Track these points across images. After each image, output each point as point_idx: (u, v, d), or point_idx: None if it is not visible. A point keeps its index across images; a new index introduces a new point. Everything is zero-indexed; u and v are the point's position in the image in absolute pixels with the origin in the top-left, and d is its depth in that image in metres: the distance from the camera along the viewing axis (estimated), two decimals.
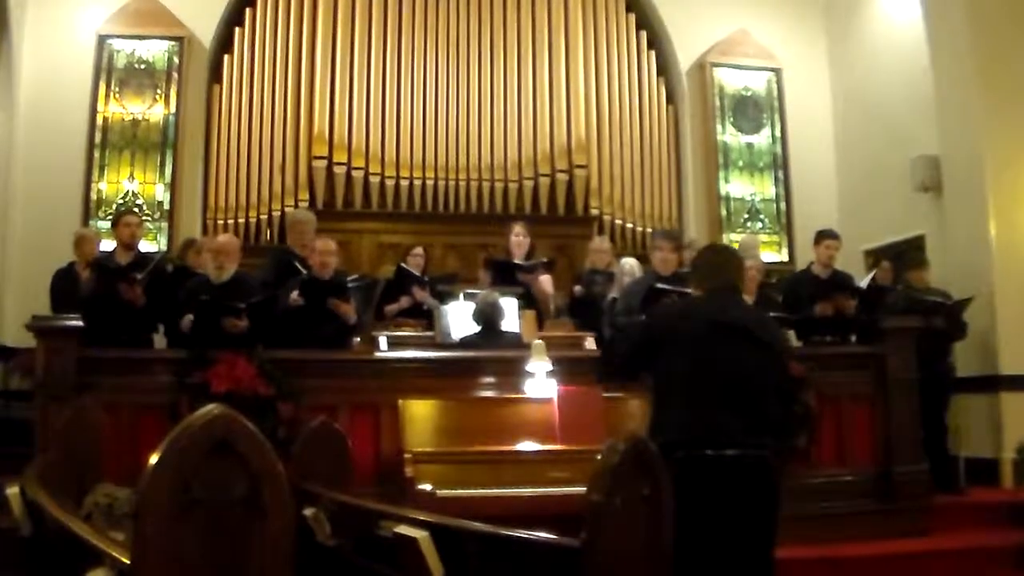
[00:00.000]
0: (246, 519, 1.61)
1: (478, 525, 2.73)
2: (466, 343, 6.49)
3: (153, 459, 1.60)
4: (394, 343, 6.76)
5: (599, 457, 2.41)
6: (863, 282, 7.63)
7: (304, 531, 3.48)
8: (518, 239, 7.90)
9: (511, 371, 5.84)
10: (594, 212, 10.57)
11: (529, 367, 5.54)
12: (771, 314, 6.93)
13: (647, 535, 2.37)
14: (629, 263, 7.57)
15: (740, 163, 10.94)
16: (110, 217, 8.82)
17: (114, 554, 1.90)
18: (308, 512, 3.54)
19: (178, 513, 1.57)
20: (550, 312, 8.05)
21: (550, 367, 5.49)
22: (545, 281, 7.83)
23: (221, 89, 10.28)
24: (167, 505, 1.56)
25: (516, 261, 7.79)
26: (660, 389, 3.64)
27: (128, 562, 1.72)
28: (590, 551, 2.31)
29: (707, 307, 3.72)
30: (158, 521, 1.56)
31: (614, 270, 7.78)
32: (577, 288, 7.76)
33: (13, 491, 3.43)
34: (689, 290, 4.38)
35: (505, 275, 7.66)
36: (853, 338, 7.41)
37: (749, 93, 11.07)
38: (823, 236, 7.72)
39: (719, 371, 3.51)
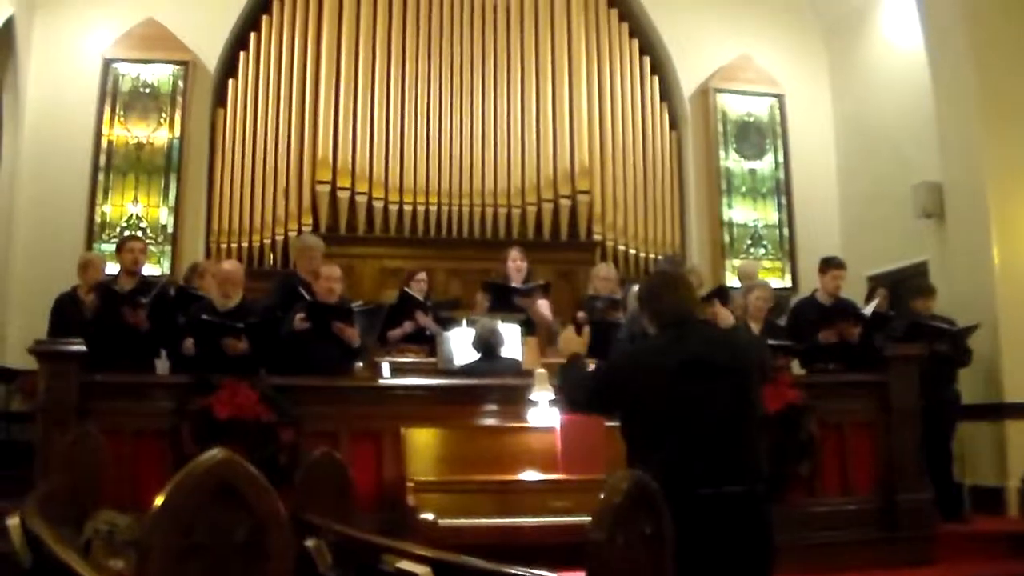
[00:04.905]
0: (248, 563, 1.61)
1: (480, 562, 2.71)
2: (466, 370, 6.49)
3: (157, 502, 1.60)
4: (397, 369, 6.76)
5: (601, 495, 2.39)
6: (867, 309, 7.61)
7: (305, 561, 3.47)
8: (515, 264, 7.87)
9: (514, 399, 5.84)
10: (597, 238, 10.57)
11: (532, 396, 5.53)
12: (775, 342, 7.01)
13: (649, 574, 2.36)
14: None
15: (743, 189, 10.95)
16: (114, 240, 8.85)
17: None
18: (310, 543, 3.52)
19: (180, 558, 1.56)
20: (553, 336, 8.03)
21: (552, 396, 5.48)
22: (543, 305, 7.81)
23: (225, 113, 10.31)
24: (170, 549, 1.56)
25: (513, 285, 7.78)
26: (635, 437, 3.46)
27: None
28: None
29: (668, 347, 3.49)
30: (161, 566, 1.56)
31: (617, 296, 7.77)
32: (581, 315, 7.73)
33: (14, 522, 3.41)
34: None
35: (503, 298, 7.65)
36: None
37: (752, 119, 11.09)
38: (830, 265, 7.71)
39: (697, 413, 3.34)
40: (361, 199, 10.18)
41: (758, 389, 3.61)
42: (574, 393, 3.80)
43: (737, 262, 10.45)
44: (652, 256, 10.51)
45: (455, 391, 6.21)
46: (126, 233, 9.02)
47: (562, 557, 3.34)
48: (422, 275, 8.09)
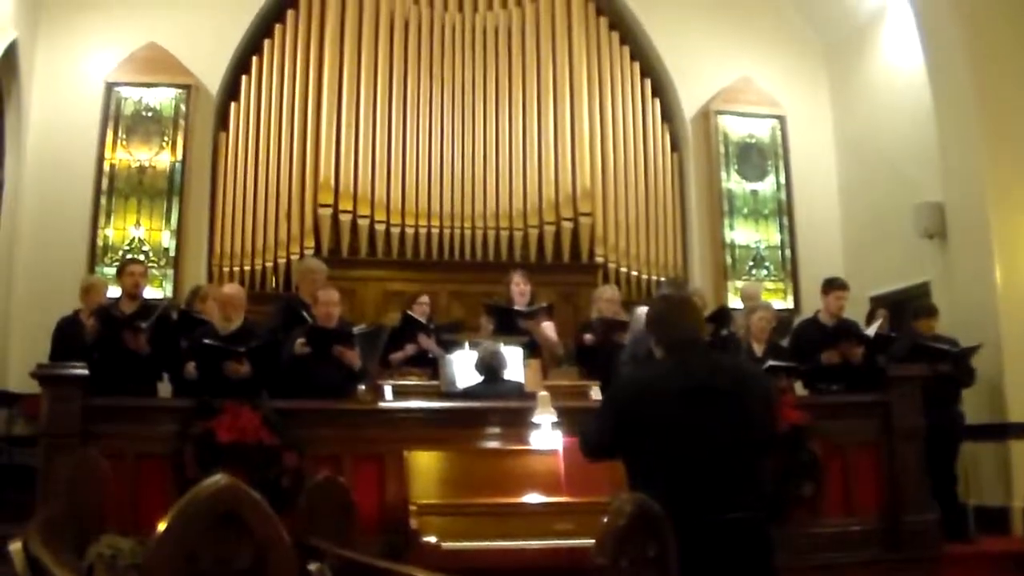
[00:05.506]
0: None
1: None
2: (468, 393, 6.48)
3: (159, 527, 1.59)
4: (399, 392, 6.75)
5: (605, 518, 2.38)
6: (869, 330, 7.60)
7: None
8: (519, 288, 7.84)
9: (516, 421, 5.81)
10: (599, 260, 10.56)
11: (535, 418, 5.52)
12: (779, 363, 7.00)
13: None
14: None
15: (745, 210, 10.96)
16: (116, 263, 8.85)
17: None
18: (313, 567, 3.51)
19: None
20: (557, 358, 8.01)
21: (555, 419, 5.46)
22: (548, 327, 7.79)
23: (227, 137, 10.33)
24: (173, 575, 1.55)
25: (517, 307, 7.76)
26: (637, 463, 3.45)
27: None
28: None
29: (673, 373, 3.49)
30: None
31: (622, 318, 7.76)
32: (588, 336, 7.72)
33: (16, 547, 3.40)
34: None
35: (506, 321, 7.64)
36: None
37: (753, 140, 11.10)
38: (833, 286, 7.71)
39: (699, 439, 3.33)
40: (363, 222, 10.19)
41: (761, 416, 3.59)
42: (587, 443, 3.75)
43: (739, 283, 10.45)
44: (654, 278, 10.52)
45: (458, 414, 6.20)
46: (128, 256, 9.00)
47: None
48: (424, 298, 8.09)
